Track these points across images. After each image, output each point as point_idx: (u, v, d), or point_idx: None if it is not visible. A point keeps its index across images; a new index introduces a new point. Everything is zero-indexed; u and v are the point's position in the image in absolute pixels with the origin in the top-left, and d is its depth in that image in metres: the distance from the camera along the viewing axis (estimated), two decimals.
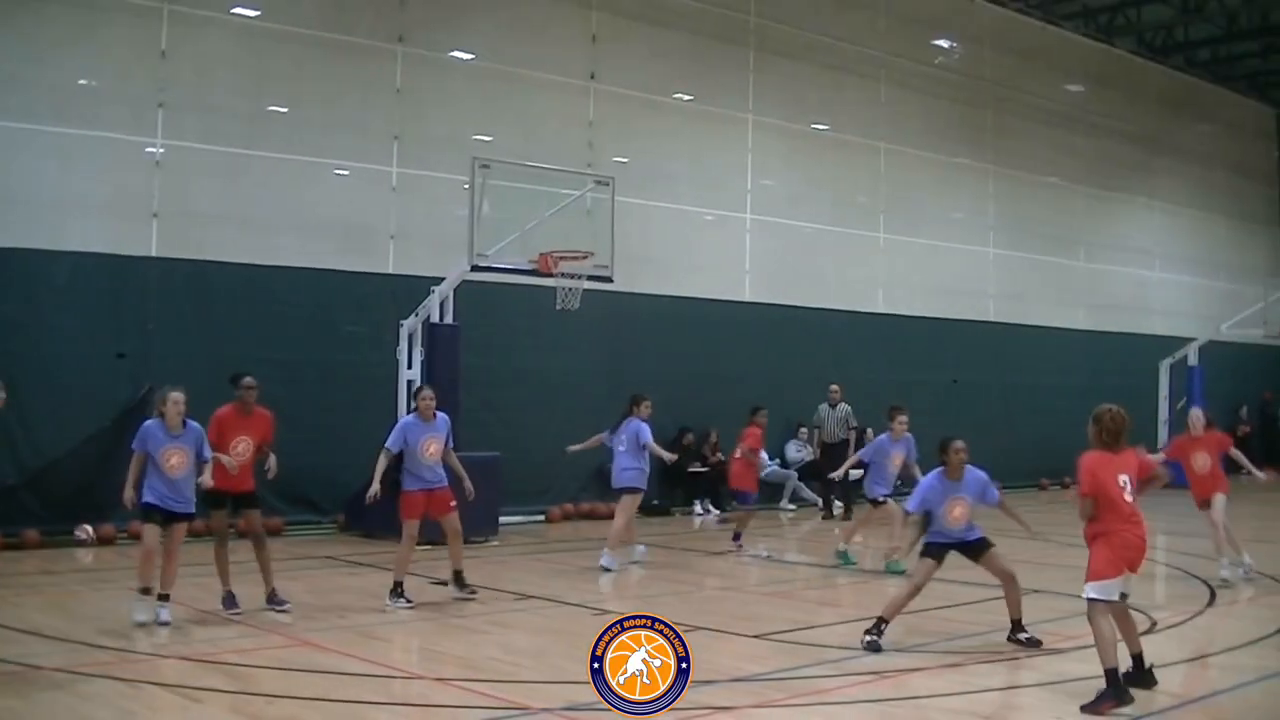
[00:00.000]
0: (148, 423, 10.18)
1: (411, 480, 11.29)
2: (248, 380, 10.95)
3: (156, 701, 7.53)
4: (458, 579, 11.56)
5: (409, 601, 11.09)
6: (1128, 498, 7.72)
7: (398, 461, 11.30)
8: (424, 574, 12.98)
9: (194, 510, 10.21)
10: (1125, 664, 7.78)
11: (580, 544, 15.44)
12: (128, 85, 15.83)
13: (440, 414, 11.46)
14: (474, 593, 11.51)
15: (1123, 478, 7.74)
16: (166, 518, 9.97)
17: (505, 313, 18.13)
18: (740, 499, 15.69)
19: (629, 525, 14.10)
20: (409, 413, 11.75)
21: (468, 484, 11.44)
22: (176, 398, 10.15)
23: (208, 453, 10.26)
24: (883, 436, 14.68)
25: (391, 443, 11.30)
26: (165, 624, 9.79)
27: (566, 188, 15.91)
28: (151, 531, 9.89)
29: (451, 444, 11.52)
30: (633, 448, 13.88)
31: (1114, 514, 7.68)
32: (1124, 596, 7.81)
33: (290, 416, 16.50)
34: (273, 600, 10.55)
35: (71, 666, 8.38)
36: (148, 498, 9.98)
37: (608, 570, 13.63)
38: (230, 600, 10.50)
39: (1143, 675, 7.87)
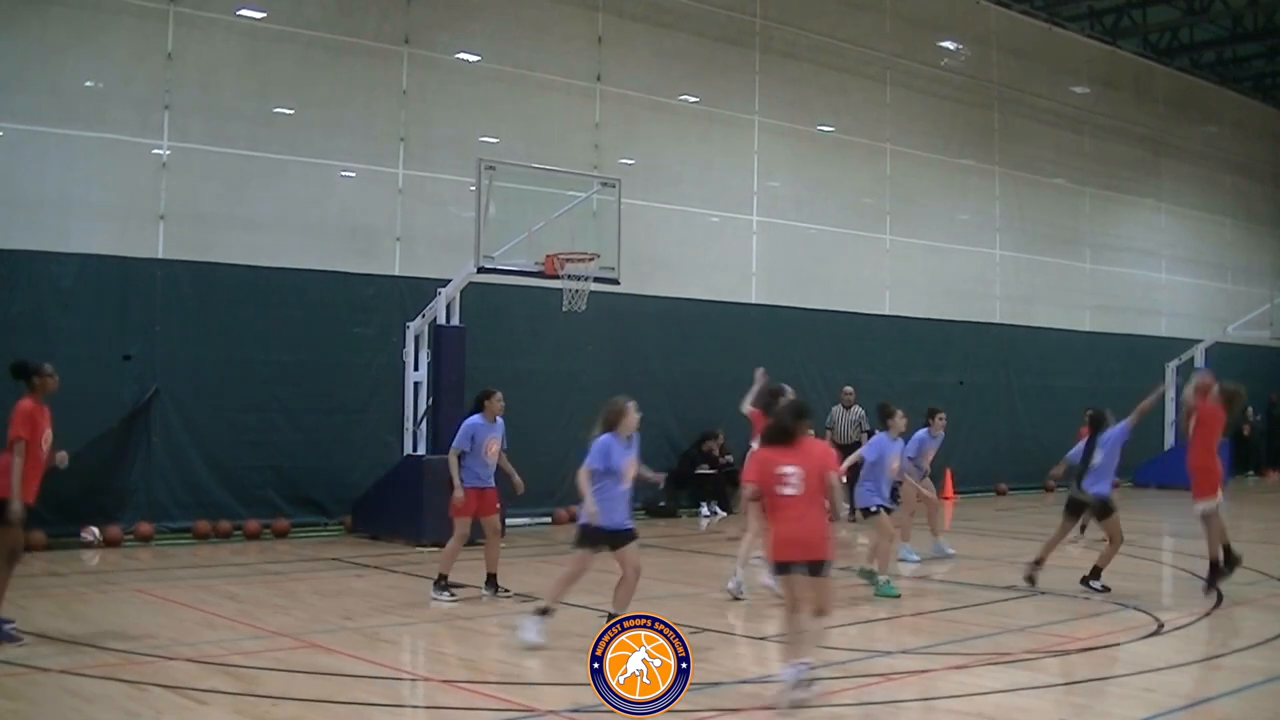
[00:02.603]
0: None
1: (470, 478, 11.45)
2: (50, 368, 9.57)
3: (161, 703, 7.53)
4: (491, 581, 11.65)
5: (453, 595, 11.36)
6: None
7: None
8: (431, 575, 12.99)
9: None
10: None
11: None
12: (133, 87, 15.85)
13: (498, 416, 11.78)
14: (508, 593, 11.55)
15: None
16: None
17: (511, 315, 18.14)
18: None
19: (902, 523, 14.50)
20: (474, 413, 11.71)
21: (516, 480, 11.63)
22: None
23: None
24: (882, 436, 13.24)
25: (459, 442, 11.49)
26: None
27: (572, 189, 15.95)
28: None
29: (505, 445, 11.78)
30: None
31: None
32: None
33: (296, 418, 16.66)
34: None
35: (77, 669, 8.38)
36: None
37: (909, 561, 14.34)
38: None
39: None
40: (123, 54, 15.82)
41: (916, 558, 14.49)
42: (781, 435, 7.83)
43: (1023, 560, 12.96)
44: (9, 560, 9.19)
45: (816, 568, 7.57)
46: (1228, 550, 11.95)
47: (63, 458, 9.56)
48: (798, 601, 7.64)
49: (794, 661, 7.41)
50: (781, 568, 7.69)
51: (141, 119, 15.82)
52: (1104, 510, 12.15)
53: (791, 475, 7.58)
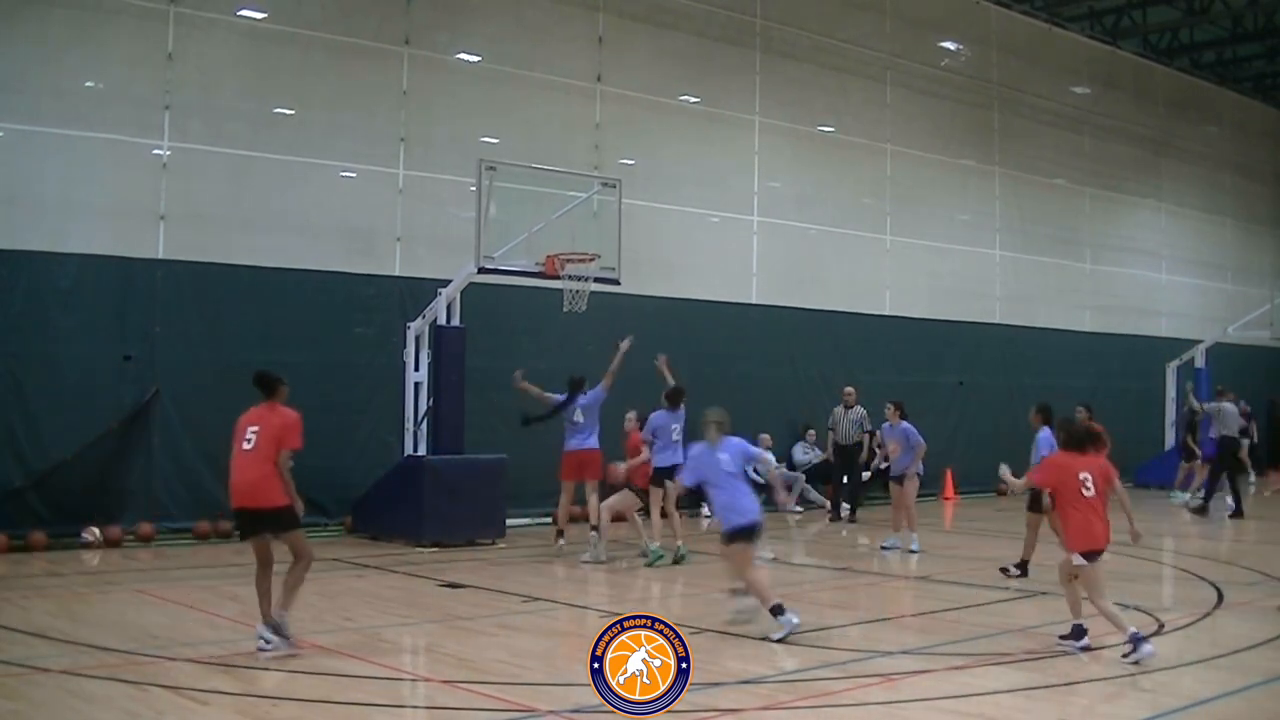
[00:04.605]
0: None
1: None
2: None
3: (162, 704, 7.53)
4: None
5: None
6: None
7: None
8: (431, 575, 13.00)
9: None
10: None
11: (587, 546, 15.40)
12: (134, 87, 15.85)
13: None
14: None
15: None
16: None
17: (511, 315, 18.13)
18: None
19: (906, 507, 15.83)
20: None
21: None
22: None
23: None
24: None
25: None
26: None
27: (573, 190, 15.96)
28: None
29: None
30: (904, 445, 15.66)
31: None
32: None
33: None
34: None
35: (78, 669, 8.38)
36: None
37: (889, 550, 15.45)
38: None
39: None
40: (123, 54, 15.81)
41: (912, 547, 15.32)
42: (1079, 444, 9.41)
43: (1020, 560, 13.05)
44: (305, 567, 9.20)
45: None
46: None
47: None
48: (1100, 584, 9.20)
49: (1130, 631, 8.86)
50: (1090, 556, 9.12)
51: (141, 119, 15.81)
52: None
53: (1087, 479, 9.15)
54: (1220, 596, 11.93)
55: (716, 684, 7.98)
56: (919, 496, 16.10)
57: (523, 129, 18.76)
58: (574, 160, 18.41)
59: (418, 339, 16.37)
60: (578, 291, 15.73)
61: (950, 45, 25.65)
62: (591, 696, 6.43)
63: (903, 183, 24.43)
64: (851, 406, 20.07)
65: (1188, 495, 22.76)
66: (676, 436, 14.40)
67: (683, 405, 14.58)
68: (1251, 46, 30.60)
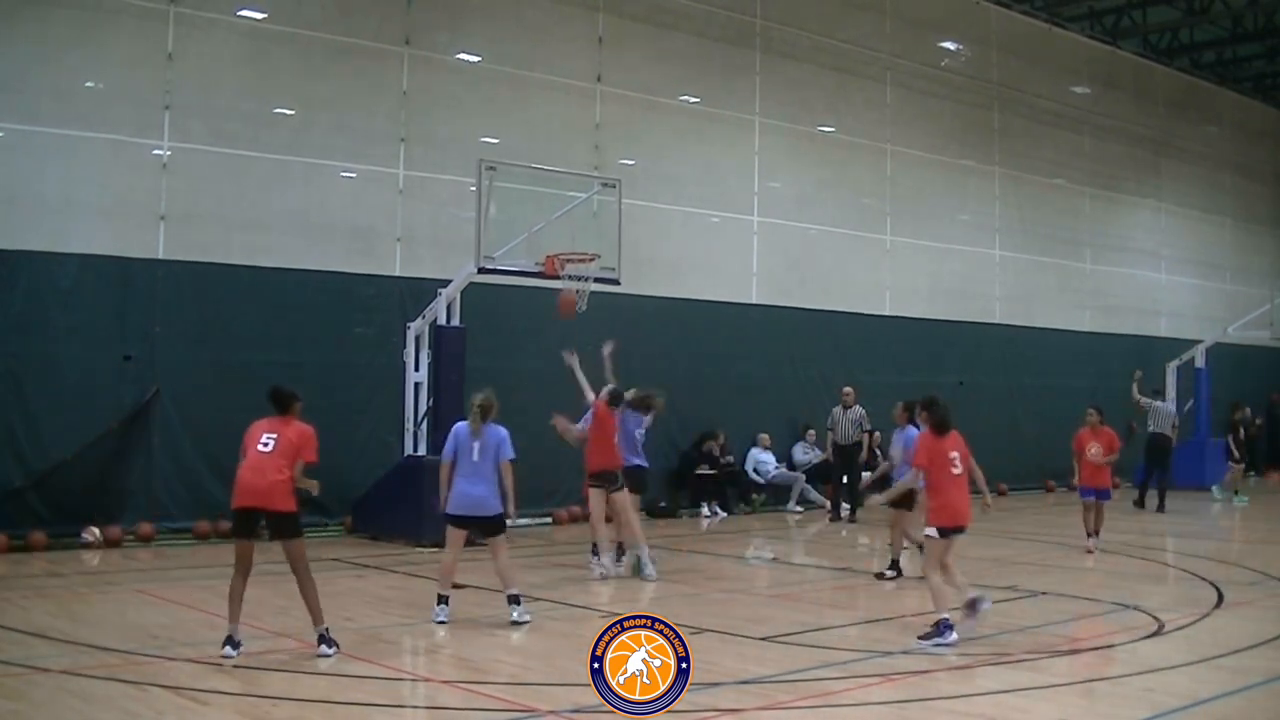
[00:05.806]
0: None
1: None
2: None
3: (162, 704, 7.53)
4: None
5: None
6: None
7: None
8: (431, 576, 12.99)
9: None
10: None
11: (587, 546, 15.42)
12: (134, 87, 15.85)
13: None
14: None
15: None
16: None
17: (511, 315, 18.13)
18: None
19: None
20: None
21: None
22: None
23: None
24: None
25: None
26: None
27: (573, 190, 15.94)
28: None
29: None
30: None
31: None
32: None
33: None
34: None
35: (77, 669, 8.38)
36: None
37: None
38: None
39: None
40: (123, 54, 15.81)
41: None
42: (944, 428, 9.89)
43: (1022, 560, 13.01)
44: (308, 573, 9.33)
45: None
46: None
47: (314, 485, 9.39)
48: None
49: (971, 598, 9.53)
50: (955, 531, 9.71)
51: (142, 119, 15.81)
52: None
53: (956, 459, 9.76)
54: (1220, 596, 11.93)
55: (716, 684, 7.98)
56: None
57: (523, 129, 18.76)
58: (574, 160, 18.41)
59: (418, 339, 16.37)
60: (578, 291, 15.73)
61: (950, 45, 25.66)
62: (591, 696, 6.43)
63: (903, 183, 24.43)
64: (850, 407, 20.08)
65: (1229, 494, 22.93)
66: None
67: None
68: (1251, 46, 30.61)
